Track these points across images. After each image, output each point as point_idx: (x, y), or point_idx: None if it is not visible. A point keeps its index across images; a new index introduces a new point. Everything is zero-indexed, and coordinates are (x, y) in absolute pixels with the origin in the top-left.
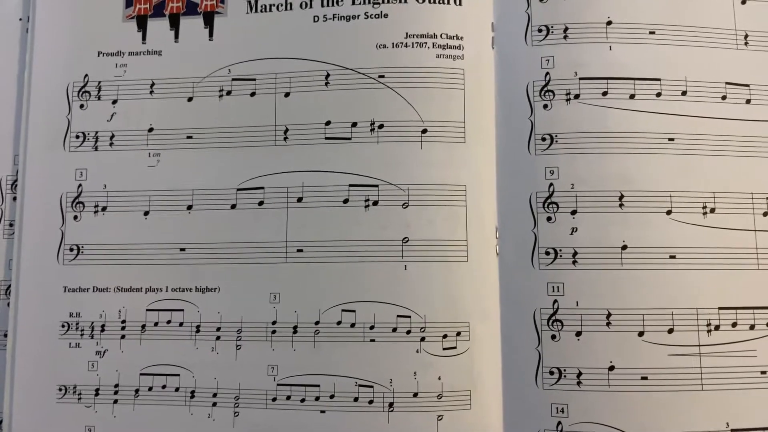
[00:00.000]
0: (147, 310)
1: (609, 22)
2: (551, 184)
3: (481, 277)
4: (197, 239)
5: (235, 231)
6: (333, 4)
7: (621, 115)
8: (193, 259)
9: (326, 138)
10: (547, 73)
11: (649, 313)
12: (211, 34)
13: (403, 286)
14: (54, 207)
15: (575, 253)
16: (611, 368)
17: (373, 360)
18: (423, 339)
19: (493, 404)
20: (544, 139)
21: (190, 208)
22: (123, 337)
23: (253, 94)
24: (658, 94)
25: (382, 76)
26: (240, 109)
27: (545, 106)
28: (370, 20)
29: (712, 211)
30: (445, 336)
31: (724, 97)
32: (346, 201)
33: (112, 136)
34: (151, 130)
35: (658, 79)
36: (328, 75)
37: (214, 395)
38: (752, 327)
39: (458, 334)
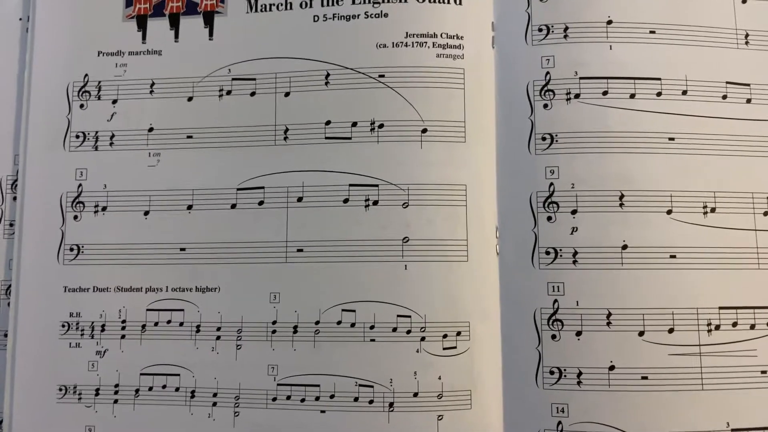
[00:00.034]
0: (147, 309)
1: (609, 22)
2: (551, 184)
3: (482, 277)
4: (197, 239)
5: (235, 231)
6: (333, 4)
7: (621, 115)
8: (193, 258)
9: (326, 138)
10: (548, 73)
11: (650, 313)
12: (211, 34)
13: (403, 285)
14: (54, 207)
15: (575, 253)
16: (611, 368)
17: (374, 360)
18: (423, 339)
19: (494, 404)
20: (544, 139)
21: (190, 207)
22: (123, 337)
23: (253, 94)
24: (659, 94)
25: (382, 76)
26: (240, 108)
27: (545, 106)
28: (370, 20)
29: (713, 210)
30: (445, 336)
31: (724, 97)
32: (346, 201)
33: (112, 136)
34: (151, 129)
35: (659, 79)
36: (328, 75)
37: (215, 395)
38: (753, 327)
39: (458, 333)
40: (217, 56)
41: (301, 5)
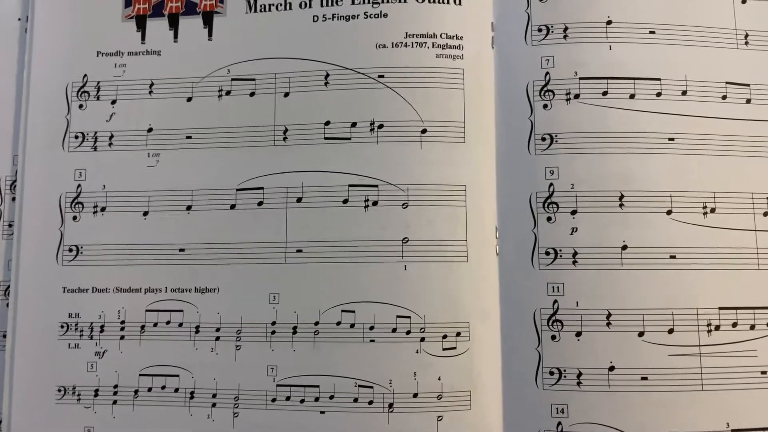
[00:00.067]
0: (146, 310)
1: (609, 22)
2: (551, 184)
3: (481, 278)
4: (197, 239)
5: (234, 231)
6: (332, 4)
7: (621, 115)
8: (193, 259)
9: (326, 138)
10: (547, 73)
11: (650, 313)
12: (210, 34)
13: (403, 286)
14: (53, 207)
15: (575, 253)
16: (611, 368)
17: (373, 360)
18: (423, 339)
19: (493, 405)
20: (544, 139)
21: (189, 208)
22: (122, 337)
23: (252, 94)
24: (659, 94)
25: (382, 76)
26: (239, 109)
27: (545, 106)
28: (370, 20)
29: (713, 211)
30: (444, 336)
31: (724, 97)
32: (345, 201)
33: (112, 137)
34: (150, 130)
35: (659, 79)
36: (327, 75)
37: (214, 396)
38: (752, 327)
39: (458, 334)
40: (217, 56)
41: (300, 5)
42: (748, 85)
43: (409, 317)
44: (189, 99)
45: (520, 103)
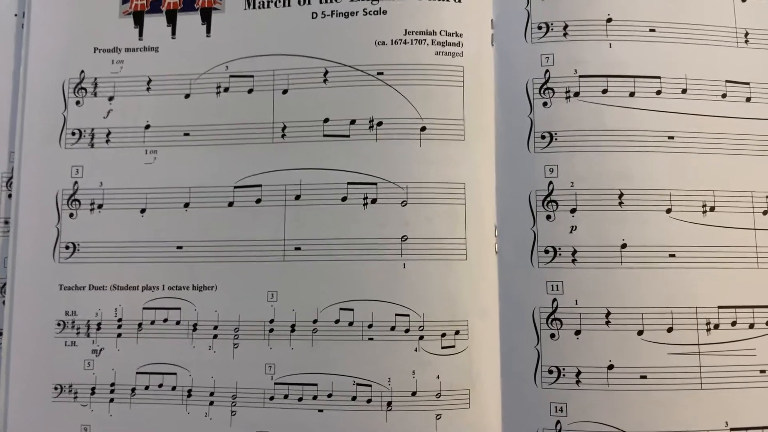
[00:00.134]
0: (143, 308)
1: (609, 20)
2: (551, 182)
3: (480, 276)
4: (194, 237)
5: (232, 229)
6: (331, 1)
7: (621, 113)
8: (190, 257)
9: (324, 135)
10: (547, 71)
11: (649, 312)
12: (208, 31)
13: (402, 284)
14: (50, 204)
15: (574, 252)
16: (610, 367)
17: (372, 359)
18: (421, 338)
19: (492, 403)
20: (543, 137)
21: (187, 205)
22: (119, 335)
23: (250, 91)
24: (658, 92)
25: (381, 73)
26: (237, 106)
27: (545, 104)
28: (369, 17)
29: (712, 209)
30: (443, 335)
31: (724, 95)
32: (344, 199)
33: (109, 133)
34: (147, 127)
35: (658, 77)
36: (326, 72)
37: (211, 394)
38: (751, 326)
39: (457, 332)
40: (215, 53)
41: (299, 2)
42: (748, 83)
43: (407, 315)
44: (187, 96)
45: (520, 100)
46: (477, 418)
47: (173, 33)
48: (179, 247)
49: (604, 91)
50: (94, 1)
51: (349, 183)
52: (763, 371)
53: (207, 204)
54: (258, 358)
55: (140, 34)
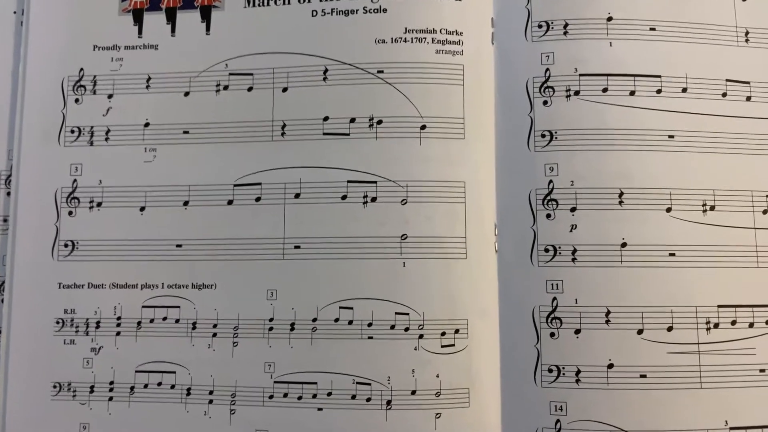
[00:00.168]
0: (143, 306)
1: (609, 18)
2: (551, 181)
3: (480, 275)
4: (194, 235)
5: (232, 227)
6: None
7: (621, 112)
8: (190, 255)
9: (324, 134)
10: (547, 70)
11: (649, 311)
12: (208, 28)
13: (402, 283)
14: (48, 202)
15: (574, 251)
16: (610, 366)
17: (371, 357)
18: (421, 336)
19: (492, 402)
20: (543, 136)
21: (186, 204)
22: (118, 333)
23: (250, 89)
24: (659, 91)
25: (381, 72)
26: (237, 104)
27: (545, 103)
28: (369, 15)
29: (712, 208)
30: (443, 333)
31: (724, 94)
32: (344, 197)
33: (108, 131)
34: (147, 125)
35: (659, 76)
36: (326, 70)
37: (211, 393)
38: (751, 325)
39: (457, 331)
40: (215, 51)
41: (299, 0)
42: (748, 82)
43: (407, 314)
44: (186, 94)
45: (520, 99)
46: (477, 416)
47: (173, 31)
48: (179, 246)
49: (605, 90)
50: None
51: (348, 181)
52: (762, 370)
53: (206, 202)
54: (257, 357)
55: (140, 31)
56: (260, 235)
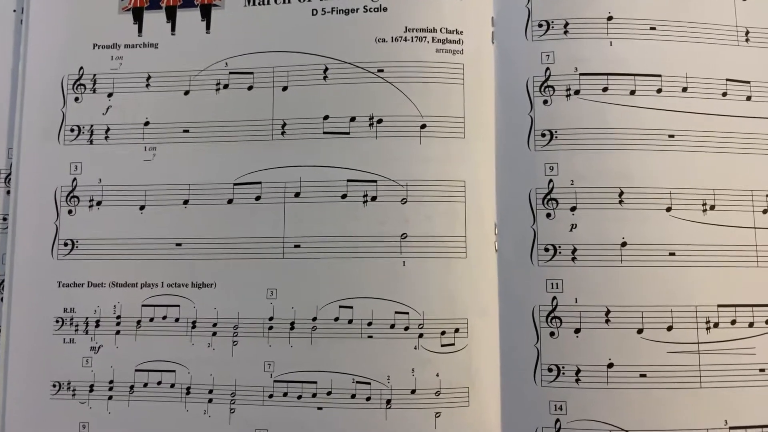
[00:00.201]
0: (142, 305)
1: (610, 18)
2: (551, 181)
3: (480, 274)
4: (193, 234)
5: (231, 226)
6: None
7: (621, 111)
8: (190, 254)
9: (324, 133)
10: (547, 69)
11: (649, 311)
12: (208, 27)
13: (402, 282)
14: (48, 201)
15: (574, 250)
16: (610, 365)
17: (371, 356)
18: (421, 335)
19: (492, 401)
20: (543, 135)
21: (186, 202)
22: (118, 332)
23: (250, 88)
24: (659, 91)
25: (381, 71)
26: (237, 102)
27: (545, 102)
28: (369, 14)
29: (712, 208)
30: (443, 332)
31: (724, 94)
32: (344, 196)
33: (108, 130)
34: (147, 123)
35: (659, 75)
36: (326, 69)
37: (210, 391)
38: (751, 325)
39: (456, 330)
40: (215, 50)
41: None
42: (748, 82)
43: (407, 313)
44: (186, 92)
45: (520, 98)
46: (476, 416)
47: (173, 29)
48: (178, 245)
49: (605, 89)
50: None
51: (348, 180)
52: (762, 370)
53: (206, 201)
54: (257, 356)
55: (140, 30)
56: (260, 234)
